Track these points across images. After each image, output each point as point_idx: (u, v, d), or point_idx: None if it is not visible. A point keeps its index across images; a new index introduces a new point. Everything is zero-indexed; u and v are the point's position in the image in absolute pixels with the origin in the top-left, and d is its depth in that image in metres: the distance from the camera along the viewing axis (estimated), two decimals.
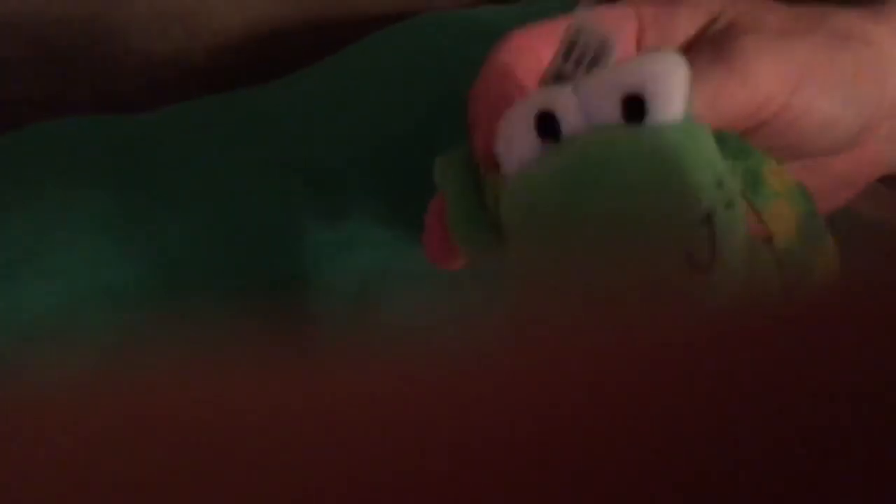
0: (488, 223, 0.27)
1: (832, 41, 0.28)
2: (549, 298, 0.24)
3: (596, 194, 0.23)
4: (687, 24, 0.29)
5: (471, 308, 0.39)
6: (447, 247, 0.29)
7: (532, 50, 0.28)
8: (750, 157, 0.26)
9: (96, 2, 0.51)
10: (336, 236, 0.41)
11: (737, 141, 0.27)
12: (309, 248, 0.41)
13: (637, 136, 0.23)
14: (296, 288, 0.39)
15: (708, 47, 0.28)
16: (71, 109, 0.51)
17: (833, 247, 0.27)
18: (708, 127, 0.25)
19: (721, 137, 0.26)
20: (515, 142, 0.24)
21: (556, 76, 0.26)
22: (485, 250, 0.27)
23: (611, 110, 0.23)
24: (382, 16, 0.57)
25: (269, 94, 0.51)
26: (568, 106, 0.24)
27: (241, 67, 0.55)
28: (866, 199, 0.47)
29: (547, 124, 0.24)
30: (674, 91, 0.23)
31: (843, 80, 0.28)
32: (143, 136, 0.48)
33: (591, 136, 0.23)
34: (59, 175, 0.45)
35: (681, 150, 0.23)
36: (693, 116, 0.24)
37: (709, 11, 0.29)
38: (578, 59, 0.25)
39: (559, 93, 0.24)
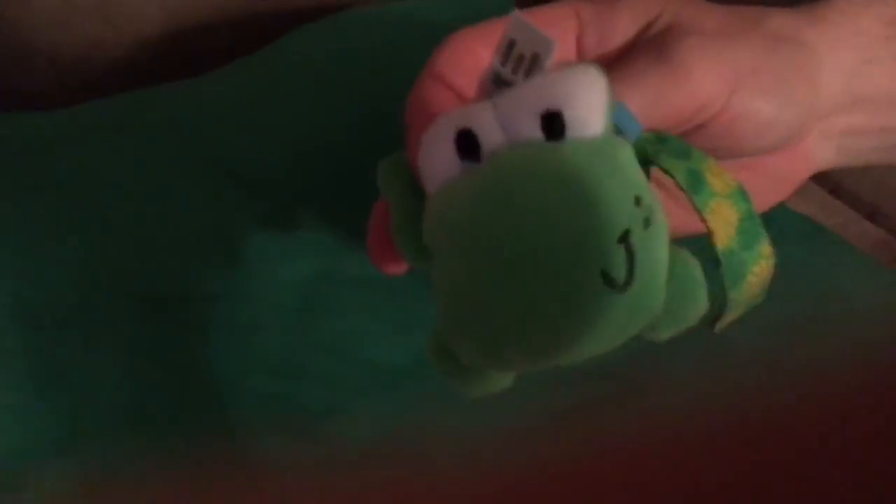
0: None
1: (769, 42, 0.29)
2: (470, 317, 0.24)
3: (511, 215, 0.23)
4: (627, 25, 0.29)
5: (415, 314, 0.37)
6: (391, 252, 0.28)
7: (471, 53, 0.28)
8: (691, 158, 0.26)
9: None
10: (274, 243, 0.39)
11: (678, 141, 0.27)
12: (245, 257, 0.38)
13: (554, 154, 0.23)
14: (232, 300, 0.36)
15: (648, 49, 0.28)
16: None
17: (770, 249, 0.27)
18: (629, 144, 0.25)
19: (662, 138, 0.26)
20: (436, 160, 0.24)
21: (495, 79, 0.26)
22: (426, 256, 0.27)
23: (530, 127, 0.23)
24: (312, 8, 0.54)
25: (191, 91, 0.47)
26: (487, 123, 0.24)
27: (159, 62, 0.52)
28: (800, 199, 0.47)
29: (467, 142, 0.24)
30: (592, 106, 0.23)
31: (780, 82, 0.28)
32: (55, 137, 0.44)
33: (508, 154, 0.23)
34: None
35: (597, 169, 0.23)
36: (614, 131, 0.24)
37: (648, 12, 0.29)
38: (517, 62, 0.25)
39: (479, 109, 0.24)
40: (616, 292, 0.23)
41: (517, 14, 0.25)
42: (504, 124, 0.23)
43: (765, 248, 0.27)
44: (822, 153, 0.31)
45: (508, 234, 0.23)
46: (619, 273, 0.22)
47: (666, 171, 0.26)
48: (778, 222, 0.44)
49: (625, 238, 0.23)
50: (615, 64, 0.28)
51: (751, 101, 0.28)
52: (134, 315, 0.36)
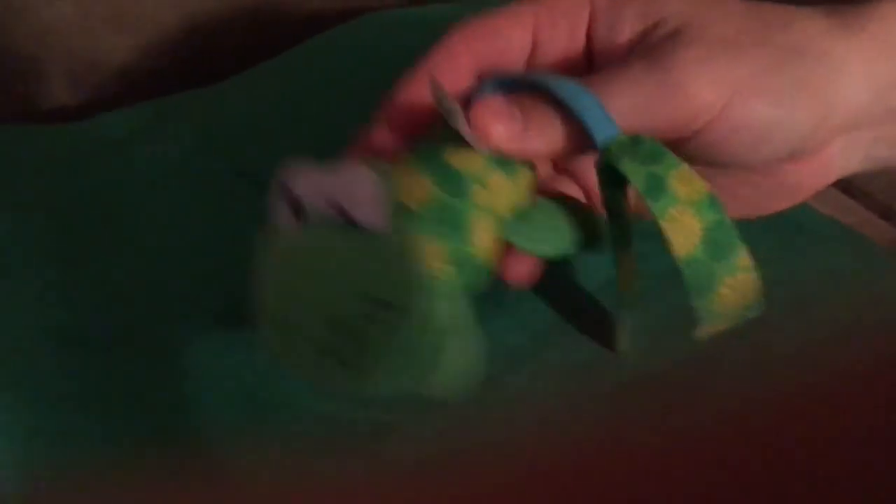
0: None
1: (780, 55, 0.28)
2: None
3: (284, 277, 0.27)
4: (634, 22, 0.29)
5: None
6: None
7: (466, 52, 0.31)
8: (661, 162, 0.27)
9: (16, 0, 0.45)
10: None
11: (651, 144, 0.27)
12: None
13: (320, 238, 0.26)
14: None
15: (647, 55, 0.28)
16: None
17: (748, 261, 0.27)
18: (400, 241, 0.27)
19: (636, 140, 0.27)
20: (278, 211, 0.27)
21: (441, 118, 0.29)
22: None
23: (326, 207, 0.26)
24: (329, 12, 0.53)
25: (212, 99, 0.47)
26: (306, 192, 0.26)
27: (175, 69, 0.51)
28: (816, 200, 0.47)
29: (295, 203, 0.27)
30: (365, 204, 0.26)
31: (782, 96, 0.28)
32: (73, 150, 0.43)
33: (305, 226, 0.27)
34: None
35: (333, 261, 0.26)
36: (400, 225, 0.27)
37: (659, 10, 0.29)
38: (446, 113, 0.28)
39: (303, 178, 0.27)
40: (343, 367, 0.26)
41: (435, 82, 0.28)
42: (315, 198, 0.26)
43: (741, 259, 0.27)
44: (846, 162, 0.31)
45: (281, 291, 0.27)
46: (346, 356, 0.26)
47: (626, 175, 0.26)
48: (810, 229, 0.43)
49: (342, 327, 0.26)
50: (614, 64, 0.28)
51: (746, 112, 0.28)
52: (174, 335, 0.35)
